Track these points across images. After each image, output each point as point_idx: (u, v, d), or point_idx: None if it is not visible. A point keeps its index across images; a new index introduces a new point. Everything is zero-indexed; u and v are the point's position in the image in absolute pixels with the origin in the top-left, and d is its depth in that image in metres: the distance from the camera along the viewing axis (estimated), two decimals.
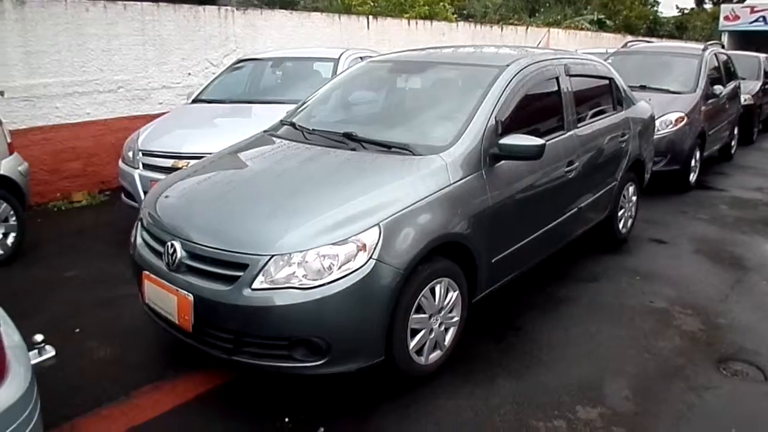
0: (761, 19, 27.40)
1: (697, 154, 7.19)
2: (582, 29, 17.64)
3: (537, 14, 17.57)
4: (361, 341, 2.58)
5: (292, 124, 3.70)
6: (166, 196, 3.17)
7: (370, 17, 10.05)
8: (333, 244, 2.49)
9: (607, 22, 20.17)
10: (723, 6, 28.67)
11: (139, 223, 3.16)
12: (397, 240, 2.61)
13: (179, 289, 2.65)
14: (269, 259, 2.47)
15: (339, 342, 2.52)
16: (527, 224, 3.57)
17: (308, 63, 6.48)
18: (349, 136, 3.26)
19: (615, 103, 4.73)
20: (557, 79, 3.90)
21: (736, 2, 29.24)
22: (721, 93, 7.54)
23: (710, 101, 7.39)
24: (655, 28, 26.04)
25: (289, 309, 2.44)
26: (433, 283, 2.83)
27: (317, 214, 2.61)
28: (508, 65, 3.55)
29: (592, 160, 4.15)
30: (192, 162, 4.69)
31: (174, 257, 2.69)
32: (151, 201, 3.18)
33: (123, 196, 5.22)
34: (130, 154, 5.11)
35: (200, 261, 2.63)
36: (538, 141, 3.15)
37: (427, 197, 2.79)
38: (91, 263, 4.63)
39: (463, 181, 2.99)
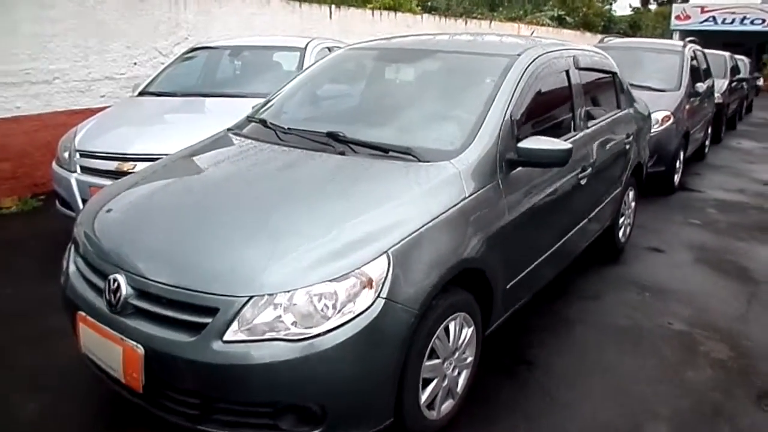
0: (711, 18, 28.00)
1: (681, 155, 6.89)
2: (543, 25, 17.44)
3: (498, 9, 17.27)
4: (366, 403, 2.02)
5: (262, 122, 3.09)
6: (108, 211, 2.53)
7: (333, 6, 9.44)
8: (330, 280, 1.92)
9: (567, 18, 20.08)
10: (675, 6, 29.23)
11: (73, 246, 2.50)
12: (409, 271, 2.06)
13: (125, 338, 2.03)
14: (246, 302, 1.88)
15: (338, 406, 1.95)
16: (541, 241, 3.08)
17: (271, 53, 5.84)
18: (334, 136, 2.68)
19: (619, 100, 4.30)
20: (567, 72, 3.42)
21: (681, 2, 29.82)
22: (702, 91, 7.27)
23: (692, 99, 7.11)
24: (609, 26, 26.18)
25: (273, 367, 1.86)
26: (447, 320, 2.29)
27: (307, 240, 2.03)
28: (519, 55, 3.04)
29: (602, 164, 3.69)
30: (140, 165, 4.05)
31: (118, 296, 2.06)
32: (88, 217, 2.54)
33: (58, 203, 4.49)
34: (66, 154, 4.38)
35: (153, 302, 2.02)
36: (565, 145, 2.65)
37: (441, 215, 2.25)
38: (17, 285, 3.91)
39: (479, 193, 2.46)
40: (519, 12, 17.31)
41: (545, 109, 3.18)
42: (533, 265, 2.98)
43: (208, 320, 1.90)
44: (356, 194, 2.27)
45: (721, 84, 10.42)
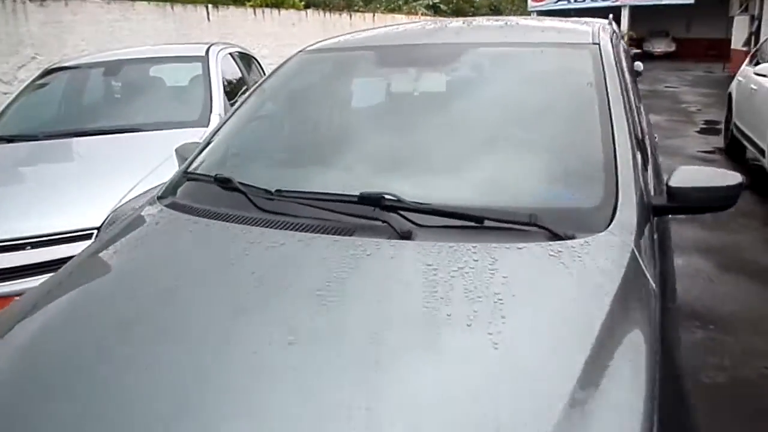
0: None
1: None
2: (421, 14, 16.87)
3: (374, 1, 16.44)
4: None
5: (221, 182, 1.85)
6: None
7: (210, 6, 8.03)
8: None
9: (442, 6, 19.73)
10: None
11: None
12: None
13: None
14: None
15: None
16: None
17: (162, 66, 4.48)
18: (375, 201, 1.52)
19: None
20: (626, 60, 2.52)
21: None
22: (641, 71, 6.79)
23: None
24: (473, 10, 26.38)
25: None
26: None
27: None
28: (596, 43, 2.06)
29: None
30: (4, 258, 2.67)
31: None
32: None
33: None
34: None
35: None
36: (735, 177, 1.70)
37: (651, 336, 1.21)
38: None
39: (654, 277, 1.46)
40: (399, 2, 16.64)
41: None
42: None
43: None
44: (515, 342, 1.13)
45: None
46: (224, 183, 1.84)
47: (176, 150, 2.48)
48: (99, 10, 6.40)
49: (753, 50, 8.14)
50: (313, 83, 2.37)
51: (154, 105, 4.04)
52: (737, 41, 18.75)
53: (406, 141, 1.84)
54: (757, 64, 7.27)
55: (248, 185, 1.77)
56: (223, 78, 4.36)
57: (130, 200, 2.89)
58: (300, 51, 2.56)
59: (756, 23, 16.06)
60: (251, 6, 9.10)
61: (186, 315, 1.32)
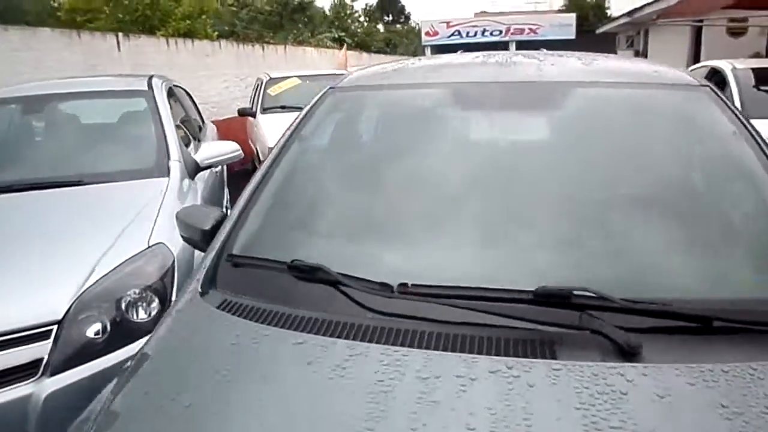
0: (457, 33, 30.15)
1: None
2: (327, 47, 16.60)
3: (275, 33, 15.95)
4: None
5: (307, 272, 1.31)
6: None
7: (121, 35, 7.21)
8: None
9: (347, 40, 19.61)
10: (423, 23, 30.88)
11: None
12: None
13: None
14: None
15: None
16: None
17: (98, 101, 3.75)
18: (567, 300, 1.08)
19: None
20: None
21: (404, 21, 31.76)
22: None
23: None
24: (375, 43, 26.64)
25: None
26: None
27: None
28: (703, 85, 1.76)
29: None
30: None
31: None
32: None
33: None
34: None
35: None
36: None
37: None
38: None
39: None
40: (306, 35, 16.24)
41: None
42: None
43: None
44: None
45: None
46: (308, 273, 1.32)
47: (178, 216, 1.90)
48: None
49: None
50: (380, 131, 1.87)
51: (94, 150, 3.32)
52: None
53: (553, 210, 1.39)
54: None
55: (352, 277, 1.27)
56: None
57: (99, 280, 2.25)
58: (331, 87, 2.08)
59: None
60: (163, 36, 8.34)
61: None
